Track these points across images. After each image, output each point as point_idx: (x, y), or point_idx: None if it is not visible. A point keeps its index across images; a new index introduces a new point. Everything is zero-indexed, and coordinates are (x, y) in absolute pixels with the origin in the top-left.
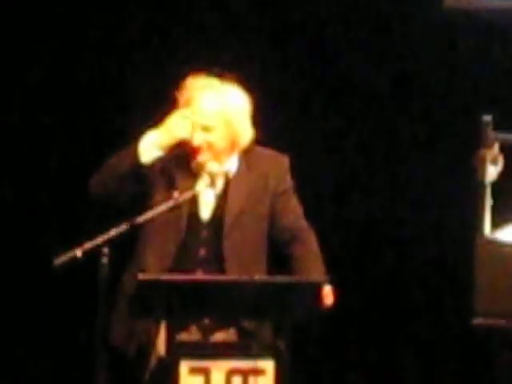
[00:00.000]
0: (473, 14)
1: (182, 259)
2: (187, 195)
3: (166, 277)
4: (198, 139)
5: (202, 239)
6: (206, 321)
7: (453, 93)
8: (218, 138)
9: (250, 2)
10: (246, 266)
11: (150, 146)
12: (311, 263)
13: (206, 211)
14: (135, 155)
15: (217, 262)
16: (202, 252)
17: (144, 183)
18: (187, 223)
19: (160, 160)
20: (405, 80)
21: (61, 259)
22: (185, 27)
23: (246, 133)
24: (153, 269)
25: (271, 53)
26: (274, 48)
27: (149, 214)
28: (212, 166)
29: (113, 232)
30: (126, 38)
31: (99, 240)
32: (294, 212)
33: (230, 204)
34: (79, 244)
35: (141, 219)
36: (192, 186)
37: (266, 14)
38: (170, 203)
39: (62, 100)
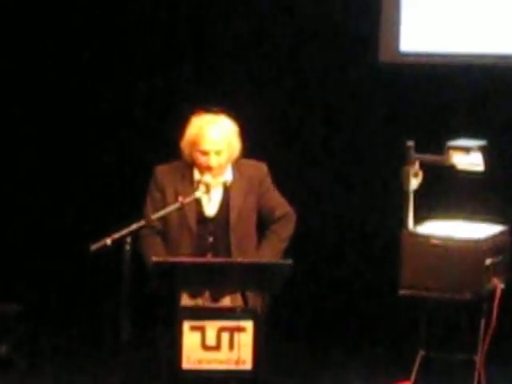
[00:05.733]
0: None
1: (197, 245)
2: (190, 199)
3: (173, 259)
4: (214, 162)
5: (210, 230)
6: (207, 293)
7: (388, 127)
8: (224, 157)
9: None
10: (245, 248)
11: None
12: (270, 246)
13: (211, 210)
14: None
15: (224, 247)
16: (210, 240)
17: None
18: (197, 219)
19: (170, 180)
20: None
21: (95, 246)
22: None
23: (237, 148)
24: (173, 252)
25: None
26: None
27: (160, 213)
28: (207, 178)
29: (134, 226)
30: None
31: (124, 232)
32: (278, 203)
33: (232, 204)
34: (109, 235)
35: (154, 217)
36: (193, 193)
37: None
38: (177, 205)
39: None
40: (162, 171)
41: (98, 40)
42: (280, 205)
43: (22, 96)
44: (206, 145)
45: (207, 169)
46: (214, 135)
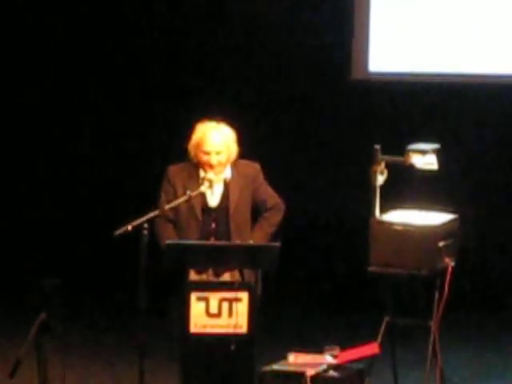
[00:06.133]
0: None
1: (202, 231)
2: (196, 193)
3: (182, 242)
4: (214, 160)
5: (213, 218)
6: (210, 270)
7: (359, 133)
8: (224, 157)
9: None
10: (242, 233)
11: None
12: (260, 230)
13: (214, 202)
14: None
15: (224, 232)
16: (213, 226)
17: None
18: (202, 209)
19: (180, 178)
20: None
21: (119, 231)
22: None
23: (235, 151)
24: (182, 237)
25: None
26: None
27: (172, 204)
28: (210, 175)
29: (150, 215)
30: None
31: (142, 220)
32: (270, 196)
33: (231, 197)
34: (129, 222)
35: (167, 207)
36: (198, 188)
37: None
38: (185, 198)
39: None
40: (173, 170)
41: (110, 49)
42: (271, 197)
43: (45, 93)
44: (208, 146)
45: (209, 166)
46: (215, 138)
